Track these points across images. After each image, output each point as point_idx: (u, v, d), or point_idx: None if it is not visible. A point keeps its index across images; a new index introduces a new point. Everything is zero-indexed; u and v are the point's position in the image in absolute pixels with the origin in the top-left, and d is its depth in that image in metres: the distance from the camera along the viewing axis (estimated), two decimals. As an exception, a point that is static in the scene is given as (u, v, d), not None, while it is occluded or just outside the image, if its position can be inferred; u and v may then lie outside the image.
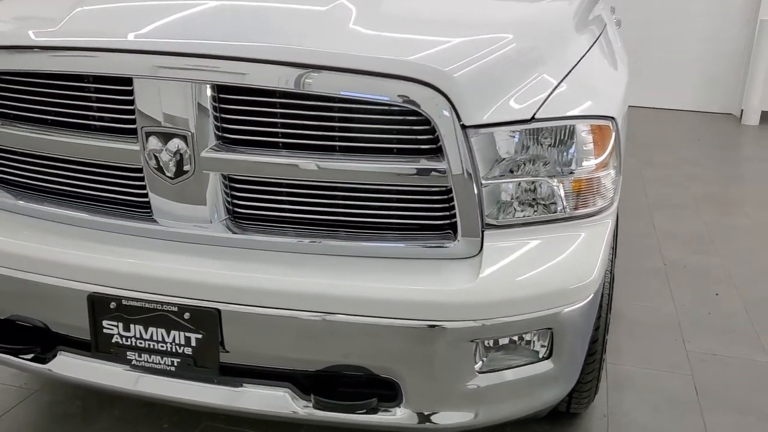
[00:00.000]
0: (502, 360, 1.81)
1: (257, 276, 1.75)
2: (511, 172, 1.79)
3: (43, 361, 1.96)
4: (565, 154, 1.83)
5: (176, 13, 1.91)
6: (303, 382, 1.83)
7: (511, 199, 1.81)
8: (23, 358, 1.99)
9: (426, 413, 1.81)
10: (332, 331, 1.72)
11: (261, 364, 1.83)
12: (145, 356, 1.82)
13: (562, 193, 1.84)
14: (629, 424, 2.48)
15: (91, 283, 1.80)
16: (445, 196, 1.76)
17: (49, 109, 1.91)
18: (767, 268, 3.84)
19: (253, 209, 1.85)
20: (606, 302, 2.13)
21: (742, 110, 7.55)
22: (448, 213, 1.78)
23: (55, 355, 1.95)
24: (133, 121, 1.80)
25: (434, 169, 1.72)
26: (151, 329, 1.79)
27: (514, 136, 1.77)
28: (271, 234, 1.83)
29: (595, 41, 2.30)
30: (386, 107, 1.72)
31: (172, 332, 1.78)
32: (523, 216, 1.83)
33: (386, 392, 1.80)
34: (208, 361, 1.79)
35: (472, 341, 1.72)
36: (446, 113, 1.68)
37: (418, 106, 1.67)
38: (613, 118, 1.90)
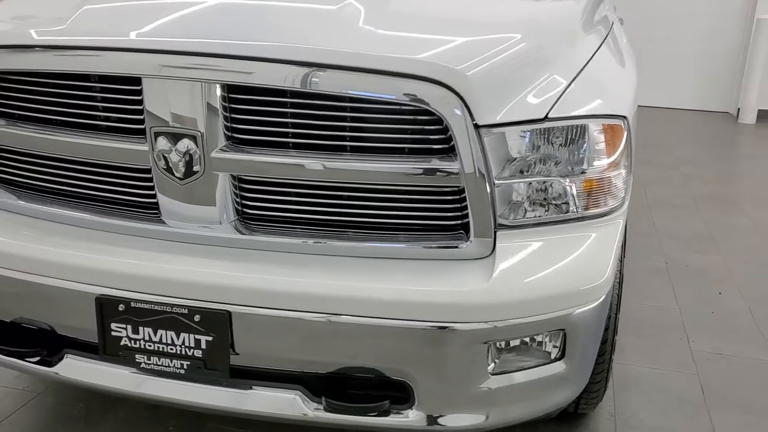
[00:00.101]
0: (514, 361, 1.80)
1: (268, 277, 1.73)
2: (523, 172, 1.78)
3: (50, 365, 1.94)
4: (577, 153, 1.82)
5: (185, 12, 1.89)
6: (314, 385, 1.81)
7: (523, 199, 1.79)
8: (29, 362, 1.96)
9: (437, 415, 1.80)
10: (344, 333, 1.71)
11: (271, 366, 1.81)
12: (154, 359, 1.79)
13: (574, 193, 1.83)
14: (637, 424, 2.47)
15: (99, 285, 1.78)
16: (457, 197, 1.75)
17: (56, 109, 1.89)
18: (769, 267, 3.84)
19: (262, 210, 1.83)
20: (615, 302, 2.12)
21: (738, 109, 7.58)
22: (460, 213, 1.77)
23: (61, 358, 1.93)
24: (142, 122, 1.78)
25: (446, 169, 1.70)
26: (160, 332, 1.77)
27: (526, 136, 1.76)
28: (279, 235, 1.82)
29: (604, 40, 2.29)
30: (398, 107, 1.70)
31: (182, 335, 1.76)
32: (535, 216, 1.82)
33: (398, 394, 1.79)
34: (218, 364, 1.77)
35: (485, 343, 1.71)
36: (459, 112, 1.67)
37: (432, 105, 1.66)
38: (624, 117, 1.89)
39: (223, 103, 1.73)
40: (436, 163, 1.71)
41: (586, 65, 1.99)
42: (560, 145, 1.80)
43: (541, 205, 1.82)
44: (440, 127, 1.69)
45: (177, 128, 1.74)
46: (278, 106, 1.73)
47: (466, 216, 1.75)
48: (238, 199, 1.82)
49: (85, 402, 2.50)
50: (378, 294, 1.70)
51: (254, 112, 1.74)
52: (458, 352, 1.70)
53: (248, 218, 1.84)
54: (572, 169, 1.81)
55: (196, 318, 1.73)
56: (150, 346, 1.79)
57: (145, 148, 1.79)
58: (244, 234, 1.82)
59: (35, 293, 1.87)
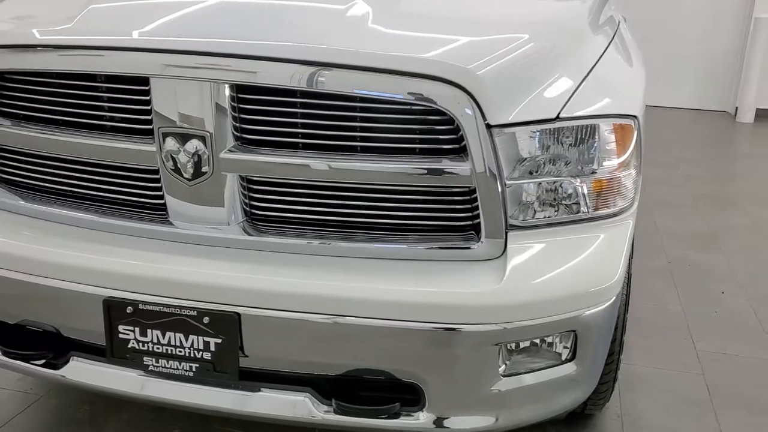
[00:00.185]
0: (525, 363, 1.79)
1: (278, 279, 1.72)
2: (533, 172, 1.77)
3: (55, 367, 1.92)
4: (587, 153, 1.81)
5: (194, 11, 1.87)
6: (323, 387, 1.79)
7: (534, 199, 1.78)
8: (35, 364, 1.94)
9: (447, 417, 1.79)
10: (355, 334, 1.69)
11: (281, 368, 1.79)
12: (162, 361, 1.78)
13: (585, 193, 1.81)
14: (645, 425, 2.46)
15: (107, 287, 1.77)
16: (468, 197, 1.73)
17: (62, 109, 1.87)
18: (771, 266, 3.84)
19: (271, 211, 1.81)
20: (624, 302, 2.11)
21: (736, 108, 7.58)
22: (470, 214, 1.75)
23: (67, 361, 1.91)
24: (150, 122, 1.76)
25: (457, 170, 1.69)
26: (168, 334, 1.75)
27: (537, 136, 1.74)
28: (289, 236, 1.80)
29: (612, 39, 2.28)
30: (408, 107, 1.69)
31: (191, 337, 1.74)
32: (545, 217, 1.81)
33: (408, 396, 1.77)
34: (227, 366, 1.75)
35: (496, 344, 1.70)
36: (470, 112, 1.65)
37: (443, 105, 1.64)
38: (635, 116, 1.89)
39: (233, 104, 1.71)
40: (446, 163, 1.70)
41: (595, 65, 1.98)
42: (571, 144, 1.79)
43: (552, 205, 1.81)
44: (451, 127, 1.68)
45: (185, 129, 1.73)
46: (288, 107, 1.72)
47: (477, 217, 1.73)
48: (247, 200, 1.80)
49: (89, 404, 2.49)
50: (388, 295, 1.68)
51: (263, 112, 1.73)
52: (469, 353, 1.69)
53: (257, 219, 1.82)
54: (582, 169, 1.80)
55: (205, 320, 1.72)
56: (158, 348, 1.77)
57: (152, 148, 1.77)
58: (253, 235, 1.80)
59: (40, 295, 1.85)
